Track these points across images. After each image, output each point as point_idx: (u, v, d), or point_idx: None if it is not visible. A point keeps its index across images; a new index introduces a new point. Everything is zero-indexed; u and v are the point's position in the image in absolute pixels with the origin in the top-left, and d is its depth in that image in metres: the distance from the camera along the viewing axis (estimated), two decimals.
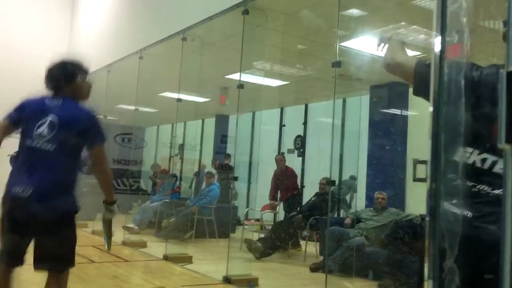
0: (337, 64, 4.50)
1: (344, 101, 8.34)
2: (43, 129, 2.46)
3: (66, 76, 2.62)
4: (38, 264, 2.43)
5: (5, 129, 2.50)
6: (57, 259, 2.45)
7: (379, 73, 5.34)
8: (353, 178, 7.73)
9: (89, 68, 2.79)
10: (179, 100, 7.21)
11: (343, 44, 5.47)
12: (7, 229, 2.42)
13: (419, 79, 1.65)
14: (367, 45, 5.57)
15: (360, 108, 7.42)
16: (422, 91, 1.62)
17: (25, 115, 2.52)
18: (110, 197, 2.70)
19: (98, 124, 2.60)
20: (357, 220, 5.85)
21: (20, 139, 2.51)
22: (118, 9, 9.22)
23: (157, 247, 6.55)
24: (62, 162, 2.47)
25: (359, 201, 7.45)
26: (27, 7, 10.78)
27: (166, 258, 5.95)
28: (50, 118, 2.48)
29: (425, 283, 0.98)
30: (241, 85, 5.80)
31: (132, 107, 9.07)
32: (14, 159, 2.56)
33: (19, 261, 2.46)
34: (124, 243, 6.87)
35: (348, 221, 5.94)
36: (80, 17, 10.86)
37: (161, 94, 9.32)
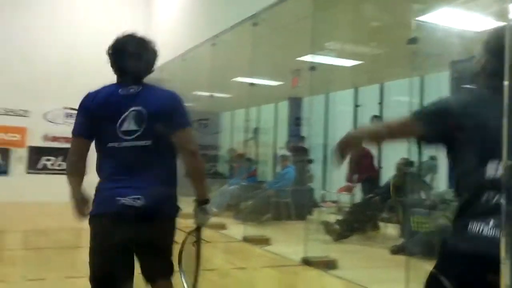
0: (413, 41, 4.33)
1: (422, 78, 8.00)
2: (129, 123, 2.04)
3: (150, 60, 2.18)
4: (149, 275, 2.14)
5: (82, 149, 2.11)
6: (167, 264, 2.17)
7: (460, 48, 5.07)
8: (434, 158, 7.43)
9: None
10: (251, 84, 7.27)
11: (419, 19, 5.24)
12: (107, 247, 2.03)
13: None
14: (445, 18, 5.29)
15: (439, 85, 7.09)
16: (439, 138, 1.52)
17: (97, 116, 2.08)
18: (204, 193, 2.19)
19: (184, 107, 2.19)
20: (439, 201, 5.66)
21: (96, 143, 2.12)
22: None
23: (236, 229, 6.73)
24: (162, 158, 2.09)
25: (440, 182, 7.18)
26: (103, 1, 11.09)
27: (245, 239, 6.12)
28: (133, 109, 2.04)
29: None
30: (313, 67, 5.74)
31: (207, 93, 9.32)
32: None
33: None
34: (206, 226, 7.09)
35: (429, 202, 5.76)
36: (155, 10, 11.19)
37: (234, 80, 9.46)
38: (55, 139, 10.01)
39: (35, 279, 4.06)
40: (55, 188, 7.82)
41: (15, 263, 4.58)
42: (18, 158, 9.95)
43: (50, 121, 10.06)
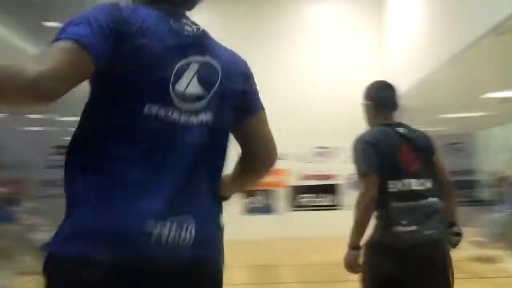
0: None
1: None
2: (189, 82, 1.09)
3: None
4: None
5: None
6: None
7: None
8: None
9: None
10: (505, 99, 7.26)
11: None
12: None
13: None
14: None
15: None
16: None
17: (129, 50, 1.03)
18: None
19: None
20: None
21: (106, 99, 1.05)
22: (422, 21, 8.95)
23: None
24: (222, 154, 1.18)
25: None
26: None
27: None
28: (197, 58, 1.12)
29: None
30: None
31: (455, 115, 8.65)
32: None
33: None
34: (473, 259, 6.60)
35: None
36: (387, 38, 10.41)
37: (482, 96, 8.33)
38: (308, 177, 11.11)
39: None
40: (314, 223, 10.24)
41: None
42: (281, 197, 11.02)
43: (305, 161, 10.97)
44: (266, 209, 11.19)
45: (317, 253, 8.06)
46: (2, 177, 9.62)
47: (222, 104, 1.12)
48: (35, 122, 11.03)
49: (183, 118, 1.06)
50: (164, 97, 1.04)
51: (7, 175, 9.93)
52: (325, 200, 11.13)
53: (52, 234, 0.99)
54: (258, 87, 1.34)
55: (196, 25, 1.17)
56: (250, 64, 1.36)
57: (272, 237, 9.91)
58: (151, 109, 1.03)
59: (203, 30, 1.18)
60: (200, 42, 1.14)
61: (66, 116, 10.21)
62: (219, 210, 1.13)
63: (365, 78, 3.03)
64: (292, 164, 11.03)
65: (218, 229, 1.10)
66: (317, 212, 10.77)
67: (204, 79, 1.10)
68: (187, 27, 1.14)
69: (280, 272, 6.91)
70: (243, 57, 1.28)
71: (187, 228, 0.99)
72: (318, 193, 11.11)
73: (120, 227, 0.94)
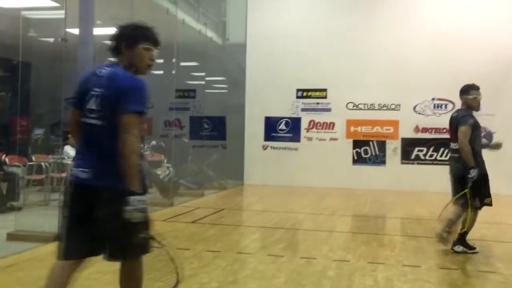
0: None
1: None
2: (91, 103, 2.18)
3: (126, 40, 2.19)
4: None
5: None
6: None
7: None
8: None
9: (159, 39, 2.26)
10: None
11: None
12: None
13: None
14: None
15: None
16: None
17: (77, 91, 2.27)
18: (131, 183, 1.95)
19: (136, 91, 2.09)
20: None
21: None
22: None
23: None
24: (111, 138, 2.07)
25: None
26: None
27: None
28: (95, 91, 2.16)
29: None
30: None
31: None
32: None
33: None
34: None
35: None
36: None
37: None
38: (424, 130, 10.72)
39: (410, 265, 4.09)
40: (427, 178, 10.06)
41: (394, 247, 4.87)
42: (393, 149, 10.89)
43: (420, 113, 10.75)
44: (376, 160, 11.01)
45: (425, 208, 7.84)
46: None
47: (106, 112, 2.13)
48: (158, 66, 11.44)
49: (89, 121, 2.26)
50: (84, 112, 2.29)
51: None
52: (439, 154, 10.54)
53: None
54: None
55: (111, 67, 2.20)
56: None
57: (383, 188, 10.09)
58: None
59: (111, 70, 2.20)
60: (100, 80, 2.20)
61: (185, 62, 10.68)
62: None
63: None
64: (406, 115, 10.63)
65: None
66: (432, 167, 10.31)
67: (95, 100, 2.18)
68: (102, 72, 2.21)
69: (387, 224, 6.89)
70: None
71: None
72: (435, 147, 10.50)
73: None
